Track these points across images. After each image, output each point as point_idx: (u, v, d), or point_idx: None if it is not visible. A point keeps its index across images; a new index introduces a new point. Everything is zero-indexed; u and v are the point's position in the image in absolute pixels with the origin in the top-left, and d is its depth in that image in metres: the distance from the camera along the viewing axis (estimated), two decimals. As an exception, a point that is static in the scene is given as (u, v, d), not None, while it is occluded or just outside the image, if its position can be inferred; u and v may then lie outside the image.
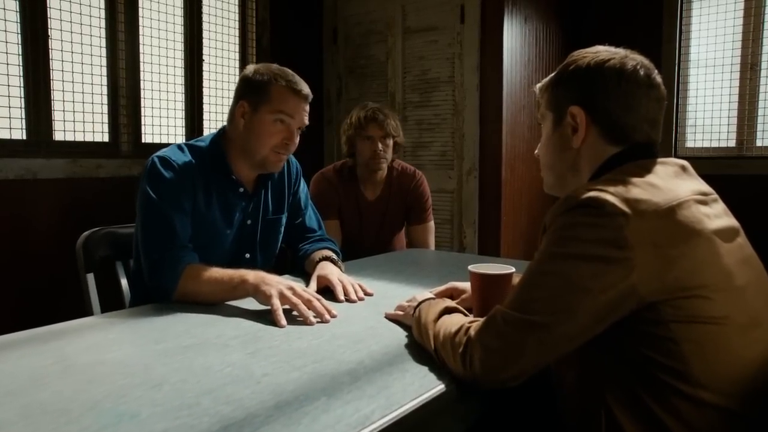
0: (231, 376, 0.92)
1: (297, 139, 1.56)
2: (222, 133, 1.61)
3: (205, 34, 3.20)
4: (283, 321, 1.18)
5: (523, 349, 0.83)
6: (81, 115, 2.72)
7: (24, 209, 2.46)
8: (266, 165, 1.55)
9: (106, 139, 2.83)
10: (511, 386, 0.87)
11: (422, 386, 0.90)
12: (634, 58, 0.97)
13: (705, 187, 0.93)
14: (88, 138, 2.76)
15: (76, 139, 2.71)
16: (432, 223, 2.44)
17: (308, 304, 1.22)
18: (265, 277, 1.28)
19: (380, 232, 2.39)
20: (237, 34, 3.40)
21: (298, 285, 1.28)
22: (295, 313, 1.22)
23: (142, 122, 2.96)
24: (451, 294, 1.33)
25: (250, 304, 1.31)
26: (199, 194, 1.51)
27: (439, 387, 0.90)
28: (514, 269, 1.21)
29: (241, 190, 1.59)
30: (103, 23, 2.76)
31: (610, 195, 0.83)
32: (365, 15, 3.49)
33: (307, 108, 1.55)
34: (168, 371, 0.93)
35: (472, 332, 0.89)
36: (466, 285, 1.29)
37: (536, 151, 1.10)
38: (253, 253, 1.65)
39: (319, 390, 0.87)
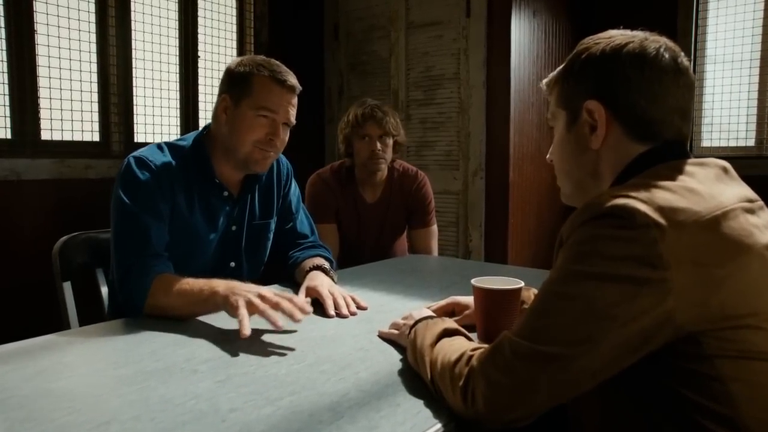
0: (193, 411, 0.79)
1: (285, 136, 1.43)
2: (206, 131, 1.48)
3: (200, 28, 3.08)
4: (247, 330, 1.04)
5: (534, 385, 0.70)
6: (69, 113, 2.61)
7: (7, 212, 2.35)
8: (249, 163, 1.42)
9: (96, 138, 2.72)
10: (519, 426, 0.74)
11: (415, 426, 0.76)
12: (657, 40, 0.83)
13: (750, 192, 0.79)
14: (77, 137, 2.64)
15: (64, 139, 2.60)
16: (435, 227, 2.30)
17: (276, 307, 1.09)
18: (235, 287, 1.15)
19: (380, 236, 2.26)
20: (234, 29, 3.29)
21: (269, 290, 1.15)
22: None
23: (135, 121, 2.85)
24: (453, 310, 1.20)
25: (231, 320, 1.18)
26: (179, 198, 1.38)
27: (435, 426, 0.76)
28: (522, 283, 1.08)
29: (225, 193, 1.46)
30: (92, 17, 2.65)
31: (641, 203, 0.69)
32: (367, 9, 3.37)
33: (294, 101, 1.42)
34: (121, 405, 0.80)
35: (474, 362, 0.76)
36: (470, 299, 1.16)
37: (548, 156, 0.96)
38: (239, 262, 1.52)
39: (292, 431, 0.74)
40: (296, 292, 1.40)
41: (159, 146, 1.42)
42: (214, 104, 1.46)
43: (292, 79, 1.40)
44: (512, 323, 1.06)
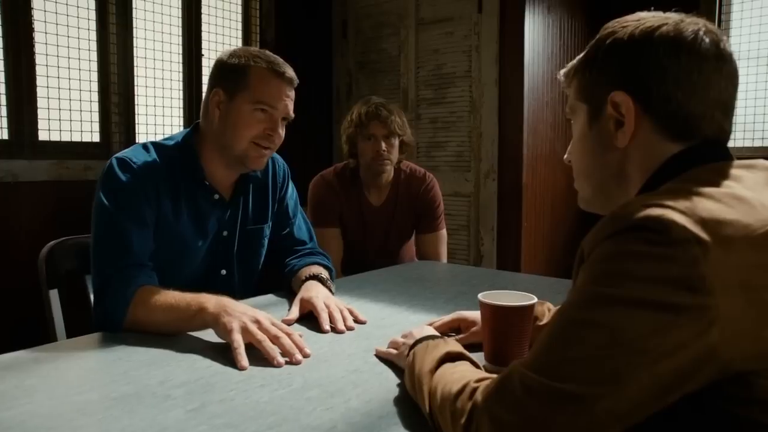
0: (155, 449, 0.69)
1: (282, 132, 1.34)
2: (195, 129, 1.39)
3: (204, 26, 3.02)
4: (245, 362, 0.95)
5: (548, 428, 0.58)
6: (68, 113, 2.54)
7: (4, 214, 2.29)
8: (246, 161, 1.33)
9: (96, 139, 2.66)
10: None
11: (410, 470, 0.66)
12: (695, 22, 0.71)
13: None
14: (76, 138, 2.58)
15: (63, 140, 2.53)
16: (444, 232, 2.19)
17: (275, 340, 0.99)
18: (227, 306, 1.05)
19: (386, 241, 2.15)
20: (240, 27, 3.21)
21: (266, 316, 1.05)
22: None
23: (136, 121, 2.79)
24: (459, 326, 1.09)
25: (215, 335, 1.08)
26: (165, 201, 1.29)
27: (432, 471, 0.66)
28: (535, 299, 0.96)
29: (216, 196, 1.37)
30: (92, 14, 2.58)
31: (679, 214, 0.57)
32: (376, 6, 3.27)
33: (293, 94, 1.33)
34: (75, 440, 0.71)
35: (479, 397, 0.65)
36: (477, 315, 1.05)
37: (566, 156, 0.84)
38: (230, 269, 1.42)
39: (266, 477, 0.63)
40: (291, 302, 1.30)
41: (144, 146, 1.33)
42: (203, 99, 1.37)
43: (290, 71, 1.31)
44: (523, 343, 0.95)
